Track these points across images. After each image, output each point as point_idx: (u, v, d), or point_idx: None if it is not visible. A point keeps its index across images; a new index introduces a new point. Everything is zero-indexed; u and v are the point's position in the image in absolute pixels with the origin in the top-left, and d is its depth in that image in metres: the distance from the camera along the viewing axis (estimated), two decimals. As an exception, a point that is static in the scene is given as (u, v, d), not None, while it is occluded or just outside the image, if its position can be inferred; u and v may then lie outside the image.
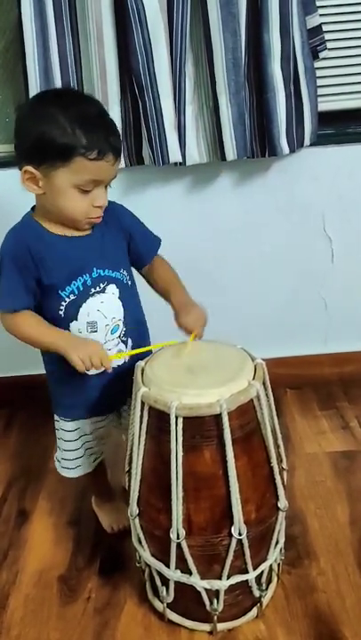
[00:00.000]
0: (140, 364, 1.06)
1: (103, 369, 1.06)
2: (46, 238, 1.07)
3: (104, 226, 1.12)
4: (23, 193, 1.61)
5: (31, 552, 1.32)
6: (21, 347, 1.76)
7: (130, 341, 1.16)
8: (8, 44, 1.55)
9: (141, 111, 1.47)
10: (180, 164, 1.54)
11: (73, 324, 1.09)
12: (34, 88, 1.46)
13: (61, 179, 1.00)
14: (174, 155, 1.49)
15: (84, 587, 1.22)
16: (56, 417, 1.24)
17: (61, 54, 1.46)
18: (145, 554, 1.09)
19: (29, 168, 1.01)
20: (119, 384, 1.12)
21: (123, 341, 1.15)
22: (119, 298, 1.12)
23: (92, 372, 1.06)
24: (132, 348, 1.16)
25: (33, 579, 1.25)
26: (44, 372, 1.80)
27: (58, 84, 1.48)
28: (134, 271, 1.21)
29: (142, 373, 1.04)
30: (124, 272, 1.14)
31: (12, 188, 1.61)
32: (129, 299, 1.15)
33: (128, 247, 1.18)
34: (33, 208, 1.12)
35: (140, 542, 1.09)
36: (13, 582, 1.24)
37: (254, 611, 1.11)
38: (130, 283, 1.16)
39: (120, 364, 1.14)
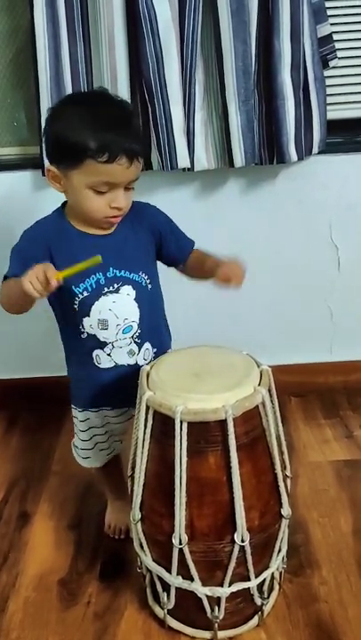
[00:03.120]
0: (146, 367, 1.06)
1: (53, 285, 0.96)
2: (69, 232, 1.10)
3: (130, 227, 1.13)
4: (33, 194, 1.63)
5: (31, 555, 1.31)
6: (24, 349, 1.78)
7: (148, 345, 1.17)
8: (19, 48, 1.57)
9: (151, 116, 1.47)
10: (189, 169, 1.55)
11: (85, 320, 1.12)
12: (44, 93, 1.47)
13: (76, 179, 1.03)
14: (183, 160, 1.50)
15: (84, 591, 1.21)
16: (72, 405, 1.25)
17: (72, 60, 1.48)
18: (146, 559, 1.08)
19: (51, 167, 1.05)
20: (129, 384, 1.11)
21: (136, 343, 1.15)
22: (135, 299, 1.13)
23: (103, 363, 1.10)
24: (154, 353, 1.18)
25: (33, 582, 1.24)
26: (47, 374, 1.82)
27: (68, 89, 1.49)
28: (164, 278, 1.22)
29: (147, 377, 1.04)
30: (144, 275, 1.14)
31: (21, 189, 1.65)
32: (147, 302, 1.15)
33: (160, 249, 1.18)
34: (64, 204, 1.14)
35: (141, 547, 1.09)
36: (13, 585, 1.24)
37: (255, 619, 1.10)
38: (150, 286, 1.16)
39: (132, 363, 1.16)
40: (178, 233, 1.21)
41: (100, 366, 1.15)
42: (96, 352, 1.14)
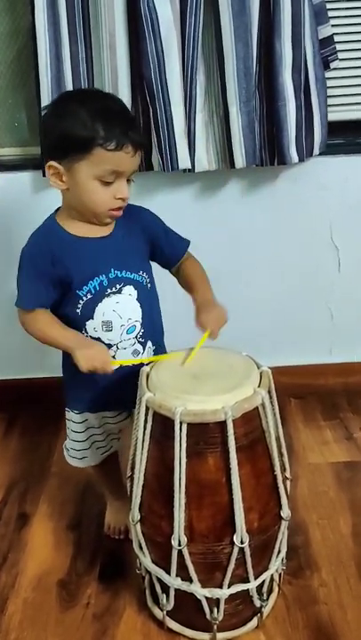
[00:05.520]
0: (145, 369, 1.06)
1: (108, 372, 1.07)
2: (66, 240, 1.10)
3: (126, 228, 1.14)
4: (33, 195, 1.63)
5: (31, 556, 1.31)
6: (23, 350, 1.77)
7: (150, 344, 1.18)
8: (20, 49, 1.57)
9: (152, 118, 1.47)
10: (189, 170, 1.55)
11: (89, 323, 1.12)
12: (45, 94, 1.47)
13: (83, 171, 1.03)
14: (184, 161, 1.50)
15: (83, 592, 1.21)
16: (66, 408, 1.25)
17: (73, 61, 1.48)
18: (145, 560, 1.08)
19: (53, 163, 1.05)
20: (132, 383, 1.12)
21: (140, 342, 1.16)
22: (137, 299, 1.14)
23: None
24: (155, 350, 1.19)
25: (32, 583, 1.24)
26: (46, 375, 1.81)
27: (70, 89, 1.48)
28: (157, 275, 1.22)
29: (147, 378, 1.04)
30: (144, 274, 1.15)
31: (21, 190, 1.65)
32: (148, 301, 1.16)
33: (153, 250, 1.19)
34: (56, 211, 1.15)
35: (140, 548, 1.08)
36: (12, 586, 1.24)
37: (254, 621, 1.10)
38: (149, 285, 1.17)
39: (137, 364, 1.15)
40: (171, 234, 1.22)
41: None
42: None
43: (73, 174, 1.04)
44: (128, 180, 1.08)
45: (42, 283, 1.09)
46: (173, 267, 1.24)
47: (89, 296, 1.10)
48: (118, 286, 1.12)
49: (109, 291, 1.11)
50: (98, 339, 1.12)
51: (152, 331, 1.18)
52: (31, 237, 1.12)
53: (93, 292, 1.10)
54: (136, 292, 1.13)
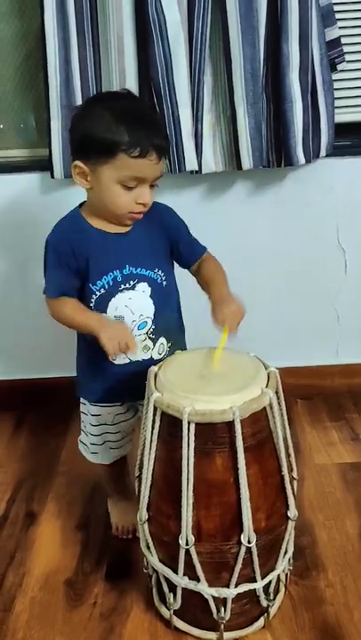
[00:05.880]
0: (154, 368, 1.06)
1: (128, 353, 1.08)
2: (87, 232, 1.12)
3: (146, 225, 1.15)
4: (41, 196, 1.64)
5: (38, 554, 1.32)
6: (32, 350, 1.78)
7: (163, 340, 1.19)
8: (29, 52, 1.58)
9: (159, 119, 1.48)
10: (196, 172, 1.55)
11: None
12: (54, 96, 1.49)
13: (106, 174, 1.04)
14: (191, 163, 1.51)
15: (90, 591, 1.22)
16: (81, 400, 1.26)
17: (82, 63, 1.49)
18: (153, 559, 1.09)
19: (79, 163, 1.07)
20: (142, 379, 1.12)
21: (151, 338, 1.17)
22: (150, 296, 1.15)
23: (119, 359, 1.12)
24: (169, 347, 1.20)
25: (39, 582, 1.25)
26: (55, 375, 1.82)
27: (78, 92, 1.50)
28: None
29: (155, 378, 1.04)
30: (160, 272, 1.16)
31: (29, 191, 1.65)
32: (162, 298, 1.17)
33: (172, 249, 1.20)
34: (81, 204, 1.16)
35: (148, 548, 1.09)
36: (20, 585, 1.24)
37: (261, 621, 1.11)
38: (165, 283, 1.18)
39: (147, 358, 1.17)
40: (189, 236, 1.23)
41: (116, 362, 1.15)
42: None
43: (97, 176, 1.05)
44: (152, 185, 1.09)
45: (64, 271, 1.11)
46: (192, 266, 1.24)
47: (102, 291, 1.12)
48: (132, 282, 1.13)
49: (123, 286, 1.12)
50: None
51: (165, 328, 1.19)
52: (55, 226, 1.14)
53: (107, 287, 1.12)
54: (150, 289, 1.14)
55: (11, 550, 1.34)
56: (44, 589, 1.23)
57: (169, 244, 1.20)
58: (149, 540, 1.07)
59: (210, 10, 1.42)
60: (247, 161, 1.51)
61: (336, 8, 1.52)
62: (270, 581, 1.07)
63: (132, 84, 1.46)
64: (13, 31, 1.57)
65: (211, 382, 1.01)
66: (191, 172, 1.55)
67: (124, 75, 1.45)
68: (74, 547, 1.33)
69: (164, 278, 1.17)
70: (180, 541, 0.99)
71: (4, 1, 1.55)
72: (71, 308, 1.12)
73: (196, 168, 1.53)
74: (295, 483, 1.09)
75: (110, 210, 1.09)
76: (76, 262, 1.11)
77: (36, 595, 1.22)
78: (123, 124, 1.01)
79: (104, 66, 1.49)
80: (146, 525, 1.06)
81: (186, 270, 1.25)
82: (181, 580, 1.04)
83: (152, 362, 1.15)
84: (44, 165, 1.58)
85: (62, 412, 1.72)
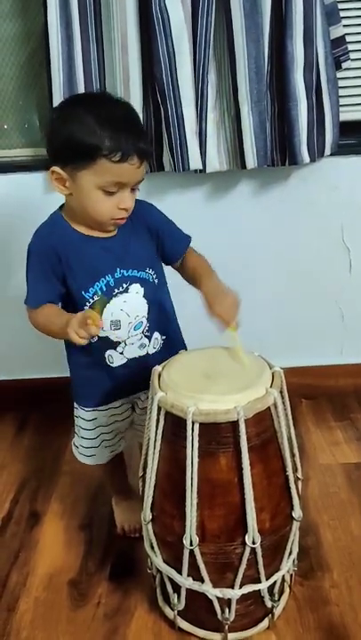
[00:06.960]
0: (158, 368, 1.06)
1: (97, 332, 1.01)
2: (72, 237, 1.10)
3: (130, 225, 1.13)
4: (45, 196, 1.64)
5: (42, 554, 1.32)
6: (35, 350, 1.78)
7: (157, 334, 1.18)
8: (33, 50, 1.58)
9: (163, 118, 1.48)
10: (201, 171, 1.55)
11: None
12: (57, 95, 1.48)
13: (86, 180, 1.02)
14: (195, 162, 1.50)
15: (94, 591, 1.21)
16: (75, 405, 1.26)
17: (85, 62, 1.48)
18: (157, 560, 1.08)
19: (56, 168, 1.04)
20: (138, 374, 1.12)
21: (146, 336, 1.17)
22: (144, 296, 1.14)
23: (116, 361, 1.11)
24: (163, 342, 1.19)
25: (43, 582, 1.25)
26: (58, 375, 1.81)
27: (81, 90, 1.49)
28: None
29: (159, 378, 1.04)
30: (150, 271, 1.15)
31: (33, 191, 1.65)
32: (155, 296, 1.16)
33: (157, 245, 1.19)
34: (61, 206, 1.14)
35: (152, 548, 1.09)
36: (24, 584, 1.24)
37: (266, 621, 1.10)
38: (157, 281, 1.17)
39: (143, 354, 1.17)
40: (173, 230, 1.20)
41: (113, 365, 1.15)
42: (108, 352, 1.15)
43: (76, 181, 1.03)
44: (132, 189, 1.06)
45: (47, 279, 1.08)
46: (176, 262, 1.22)
47: (96, 298, 1.10)
48: (125, 285, 1.12)
49: (117, 291, 1.11)
50: (106, 337, 1.13)
51: (158, 322, 1.18)
52: (36, 233, 1.11)
53: (100, 293, 1.10)
54: (143, 289, 1.13)
55: (15, 550, 1.34)
56: (48, 589, 1.23)
57: (155, 241, 1.18)
58: (153, 541, 1.07)
59: (214, 8, 1.41)
60: (251, 160, 1.50)
61: (341, 6, 1.51)
62: (275, 582, 1.07)
63: (135, 82, 1.46)
64: (17, 31, 1.56)
65: (215, 382, 1.01)
66: (195, 171, 1.55)
67: (127, 72, 1.45)
68: (78, 547, 1.33)
69: (155, 276, 1.16)
70: (184, 542, 0.99)
71: (6, 0, 1.54)
72: (45, 316, 1.08)
73: (201, 167, 1.53)
74: (300, 483, 1.09)
75: (92, 216, 1.06)
76: (62, 268, 1.08)
77: (39, 595, 1.22)
78: (103, 128, 0.97)
79: (108, 63, 1.48)
80: (150, 525, 1.06)
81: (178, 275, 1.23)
82: (185, 581, 1.04)
83: (148, 357, 1.16)
84: (48, 165, 1.57)
85: (66, 412, 1.69)
